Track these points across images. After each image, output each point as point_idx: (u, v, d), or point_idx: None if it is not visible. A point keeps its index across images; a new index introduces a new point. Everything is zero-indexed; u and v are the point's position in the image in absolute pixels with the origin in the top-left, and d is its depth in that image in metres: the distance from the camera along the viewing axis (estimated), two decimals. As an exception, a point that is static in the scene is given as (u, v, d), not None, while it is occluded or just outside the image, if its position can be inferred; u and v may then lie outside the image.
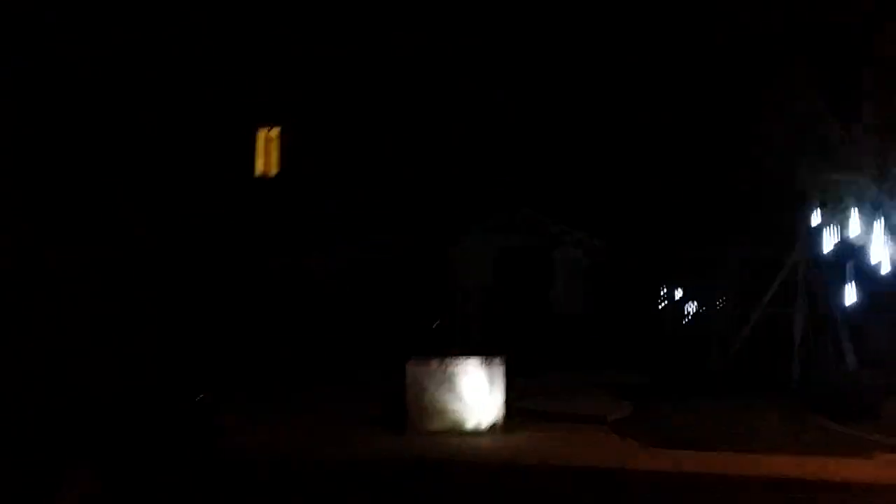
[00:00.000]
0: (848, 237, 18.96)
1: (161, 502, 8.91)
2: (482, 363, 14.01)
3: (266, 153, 24.58)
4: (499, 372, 14.03)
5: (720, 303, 21.39)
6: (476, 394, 13.83)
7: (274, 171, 24.58)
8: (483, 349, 14.47)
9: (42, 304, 18.26)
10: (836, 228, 19.48)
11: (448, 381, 13.81)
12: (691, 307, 23.46)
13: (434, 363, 13.94)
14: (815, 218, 19.63)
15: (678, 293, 24.42)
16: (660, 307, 24.66)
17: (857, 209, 18.32)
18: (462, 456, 12.19)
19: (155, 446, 9.84)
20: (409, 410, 13.63)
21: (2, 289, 15.93)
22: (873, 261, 18.31)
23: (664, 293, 25.08)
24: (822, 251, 19.72)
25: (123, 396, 12.53)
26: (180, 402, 10.68)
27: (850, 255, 19.72)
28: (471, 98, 23.22)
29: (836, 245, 19.63)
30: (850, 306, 19.96)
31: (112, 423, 9.92)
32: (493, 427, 13.76)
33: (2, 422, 9.67)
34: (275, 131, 24.61)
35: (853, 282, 20.20)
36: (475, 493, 10.46)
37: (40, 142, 18.70)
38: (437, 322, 21.03)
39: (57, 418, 9.67)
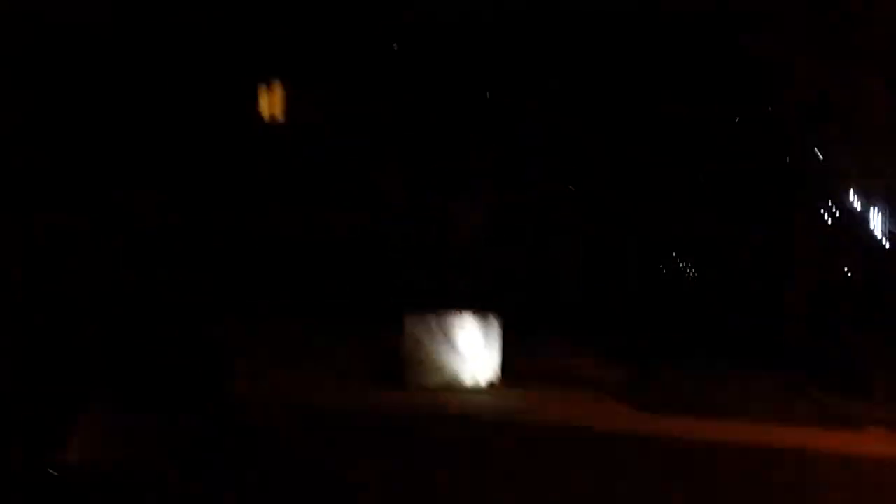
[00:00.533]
0: (850, 206, 18.97)
1: (170, 441, 9.00)
2: (478, 319, 14.08)
3: (270, 101, 24.36)
4: (494, 328, 14.11)
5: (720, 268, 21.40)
6: (473, 349, 13.90)
7: (280, 117, 24.41)
8: (479, 307, 14.53)
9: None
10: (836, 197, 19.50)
11: (445, 336, 13.88)
12: (693, 271, 23.47)
13: (431, 319, 13.99)
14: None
15: (681, 255, 24.40)
16: (661, 270, 24.64)
17: (857, 177, 18.33)
18: (460, 412, 12.30)
19: (167, 383, 9.87)
20: (404, 366, 13.70)
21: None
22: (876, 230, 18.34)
23: (666, 256, 25.03)
24: (822, 221, 19.73)
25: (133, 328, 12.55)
26: (193, 338, 10.72)
27: (852, 225, 19.75)
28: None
29: (836, 214, 19.66)
30: (852, 276, 20.02)
31: (124, 356, 9.97)
32: (489, 384, 13.84)
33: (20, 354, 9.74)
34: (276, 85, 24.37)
35: (854, 252, 20.24)
36: (472, 449, 10.55)
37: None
38: (426, 272, 21.00)
39: (75, 350, 9.74)
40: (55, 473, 7.57)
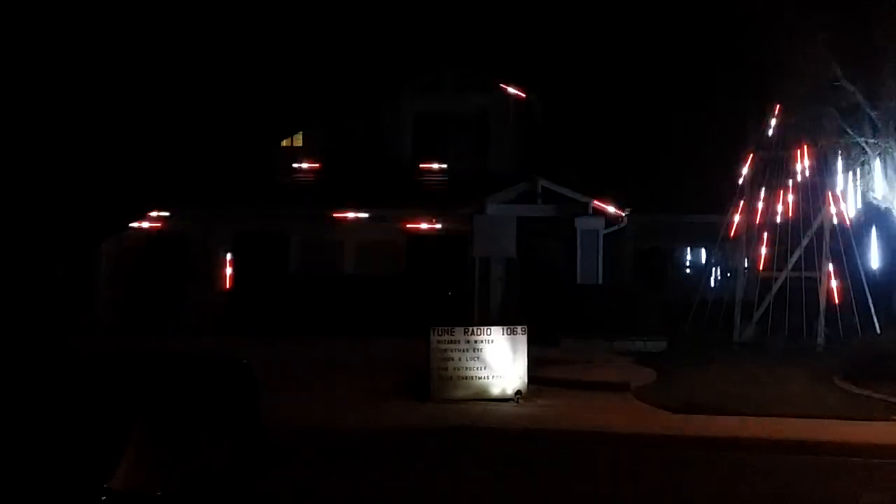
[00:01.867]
0: (873, 199, 18.90)
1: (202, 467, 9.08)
2: (506, 332, 14.12)
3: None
4: (522, 341, 14.13)
5: (744, 268, 21.38)
6: (500, 362, 13.95)
7: (298, 142, 24.71)
8: (504, 319, 14.60)
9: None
10: (860, 191, 19.44)
11: (472, 349, 13.93)
12: (716, 272, 23.46)
13: (458, 332, 14.05)
14: (840, 182, 19.58)
15: (702, 258, 24.42)
16: (685, 273, 24.67)
17: (881, 171, 18.25)
18: (488, 423, 12.34)
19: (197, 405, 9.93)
20: (432, 379, 13.76)
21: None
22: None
23: (689, 259, 25.07)
24: (846, 215, 19.67)
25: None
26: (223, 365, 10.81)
27: (875, 218, 19.66)
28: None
29: (860, 208, 19.59)
30: (876, 269, 19.94)
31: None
32: (517, 395, 13.87)
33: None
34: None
35: (878, 244, 20.15)
36: (501, 458, 10.60)
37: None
38: (450, 293, 21.19)
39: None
40: (105, 499, 7.71)
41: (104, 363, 11.01)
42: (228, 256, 23.17)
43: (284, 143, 24.57)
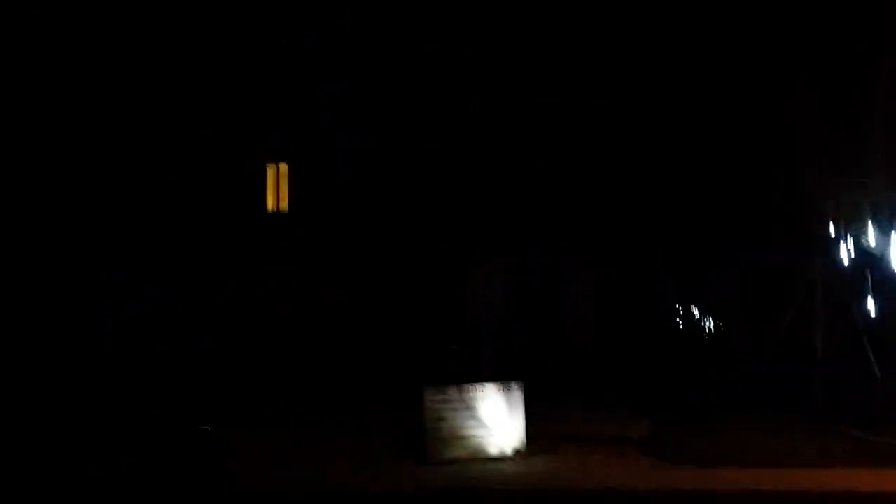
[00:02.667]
0: (866, 246, 18.81)
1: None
2: (500, 388, 13.83)
3: (276, 189, 24.61)
4: (517, 397, 13.85)
5: (736, 318, 21.21)
6: (497, 419, 13.64)
7: (285, 206, 24.60)
8: (499, 377, 14.36)
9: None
10: (852, 238, 19.35)
11: (467, 407, 13.62)
12: (708, 324, 23.28)
13: (452, 390, 13.75)
14: (831, 229, 19.50)
15: (695, 311, 24.25)
16: (678, 327, 24.47)
17: (872, 217, 18.20)
18: (488, 483, 12.00)
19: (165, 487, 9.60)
20: (427, 439, 13.40)
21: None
22: (894, 268, 18.14)
23: (680, 313, 24.87)
24: (840, 263, 19.55)
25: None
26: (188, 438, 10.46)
27: (870, 265, 19.55)
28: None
29: (854, 255, 19.48)
30: (872, 316, 19.77)
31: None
32: (516, 452, 13.56)
33: None
34: (284, 167, 24.63)
35: (873, 291, 20.01)
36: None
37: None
38: (454, 347, 20.97)
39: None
40: None
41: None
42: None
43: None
